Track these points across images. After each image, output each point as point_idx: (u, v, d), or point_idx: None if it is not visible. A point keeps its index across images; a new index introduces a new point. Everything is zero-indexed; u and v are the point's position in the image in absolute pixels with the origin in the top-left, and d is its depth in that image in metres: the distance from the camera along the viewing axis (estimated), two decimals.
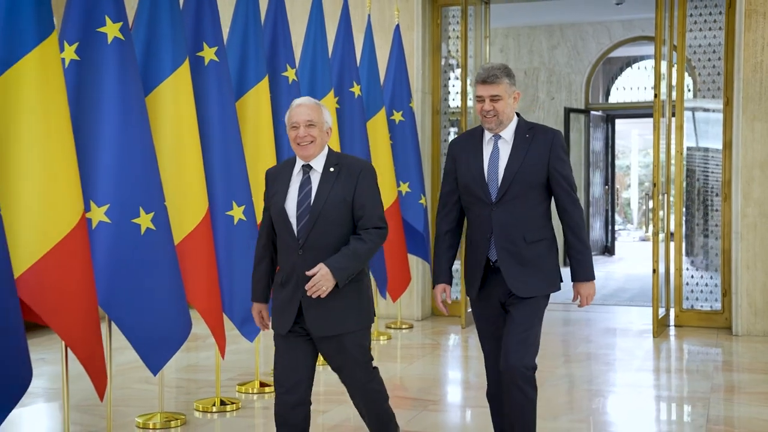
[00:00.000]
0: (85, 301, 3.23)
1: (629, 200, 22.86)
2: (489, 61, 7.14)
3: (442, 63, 7.59)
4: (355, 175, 2.97)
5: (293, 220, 2.95)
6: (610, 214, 13.49)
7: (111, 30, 3.58)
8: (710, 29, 6.99)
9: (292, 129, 2.98)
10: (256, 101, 4.67)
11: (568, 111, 11.93)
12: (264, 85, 4.70)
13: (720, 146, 6.96)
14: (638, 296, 8.87)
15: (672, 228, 7.03)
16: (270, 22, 5.04)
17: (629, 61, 13.61)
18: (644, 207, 24.41)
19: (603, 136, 12.99)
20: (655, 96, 6.57)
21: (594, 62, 12.17)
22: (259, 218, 3.74)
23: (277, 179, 3.06)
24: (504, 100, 3.04)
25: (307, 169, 3.00)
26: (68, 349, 3.33)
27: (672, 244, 7.06)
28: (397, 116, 6.70)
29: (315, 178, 2.99)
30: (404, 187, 6.67)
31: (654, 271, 6.60)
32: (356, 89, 5.98)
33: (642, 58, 13.45)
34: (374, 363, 3.14)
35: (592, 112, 12.41)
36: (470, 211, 3.15)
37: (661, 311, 6.72)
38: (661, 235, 6.77)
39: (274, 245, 3.09)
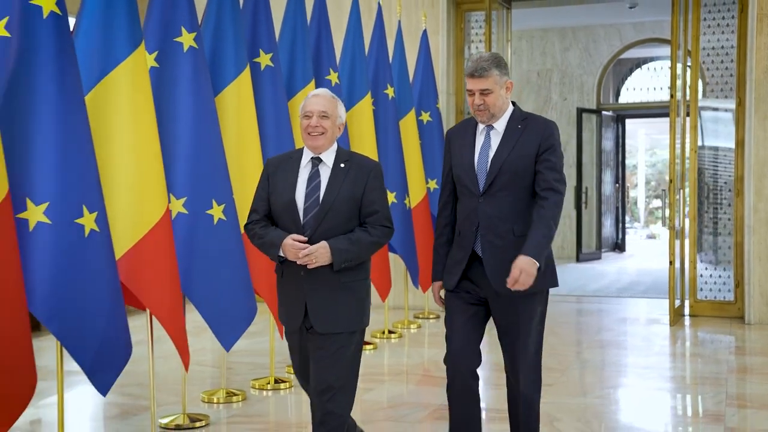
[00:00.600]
0: (171, 284, 3.54)
1: (636, 199, 23.17)
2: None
3: (465, 65, 7.94)
4: (365, 174, 2.96)
5: (300, 212, 2.93)
6: (620, 211, 13.84)
7: (186, 40, 3.89)
8: (723, 32, 7.33)
9: (304, 118, 2.96)
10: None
11: (580, 111, 12.27)
12: (311, 88, 5.06)
13: (728, 144, 7.30)
14: (651, 289, 9.21)
15: (681, 223, 7.37)
16: (314, 29, 5.39)
17: (639, 62, 13.95)
18: (650, 205, 24.81)
19: (613, 135, 13.33)
20: (671, 96, 6.92)
21: (605, 64, 12.52)
22: None
23: (281, 169, 3.02)
24: (495, 92, 2.92)
25: (316, 161, 2.97)
26: (152, 330, 3.72)
27: (686, 239, 7.40)
28: (425, 116, 7.05)
29: (324, 172, 2.96)
30: (432, 184, 7.02)
31: (670, 263, 6.95)
32: (390, 91, 6.34)
33: (652, 59, 13.80)
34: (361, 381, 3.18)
35: (603, 113, 12.76)
36: (460, 202, 3.08)
37: (676, 302, 7.07)
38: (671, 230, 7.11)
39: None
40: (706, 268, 7.46)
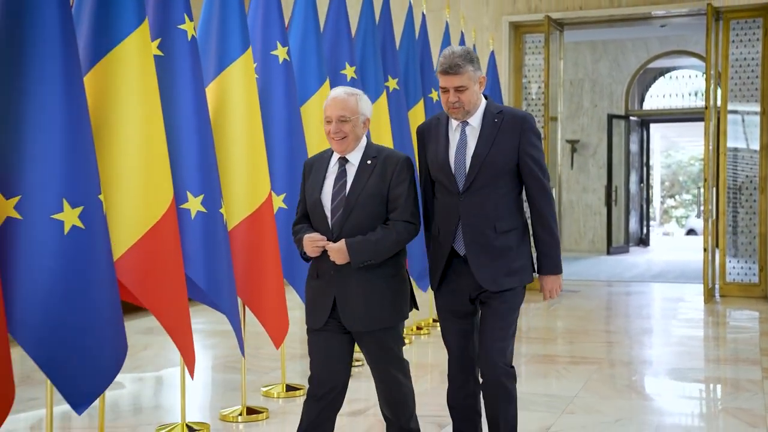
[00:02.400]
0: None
1: (652, 198, 24.34)
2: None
3: (523, 80, 9.14)
4: (392, 169, 2.88)
5: (328, 212, 2.90)
6: (644, 209, 15.01)
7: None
8: (745, 47, 8.42)
9: (326, 123, 2.90)
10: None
11: (610, 117, 13.44)
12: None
13: (748, 146, 8.44)
14: (681, 276, 10.37)
15: (714, 216, 8.54)
16: (380, 35, 6.12)
17: (662, 72, 15.13)
18: (665, 204, 25.92)
19: (638, 139, 14.49)
20: (706, 108, 8.10)
21: (633, 73, 13.69)
22: None
23: (314, 169, 3.00)
24: (469, 89, 2.83)
25: (343, 161, 2.93)
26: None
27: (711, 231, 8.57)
28: None
29: (351, 171, 2.91)
30: None
31: (705, 250, 8.13)
32: None
33: (674, 68, 14.98)
34: (409, 360, 3.07)
35: (631, 118, 13.93)
36: (438, 199, 2.98)
37: (709, 284, 8.25)
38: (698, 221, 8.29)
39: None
40: (734, 255, 8.62)
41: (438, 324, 5.65)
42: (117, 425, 3.95)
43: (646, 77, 15.08)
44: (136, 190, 3.14)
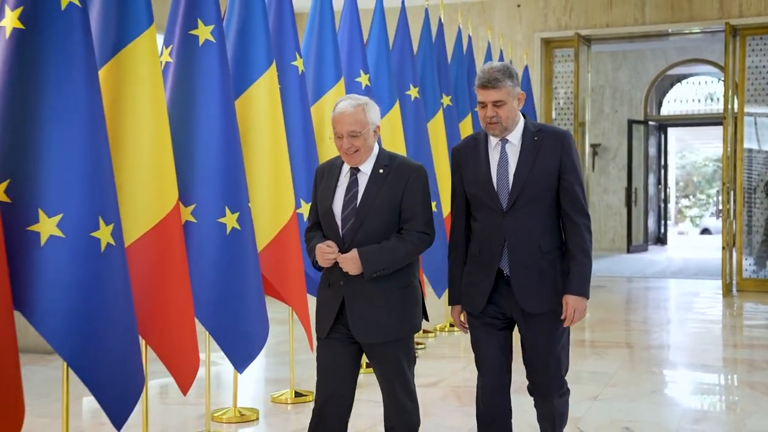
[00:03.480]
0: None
1: (669, 198, 25.00)
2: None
3: (553, 91, 9.89)
4: (404, 178, 2.83)
5: (339, 221, 2.84)
6: (662, 209, 15.72)
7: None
8: (757, 56, 9.08)
9: (336, 138, 2.83)
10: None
11: (630, 122, 14.14)
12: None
13: (760, 147, 9.11)
14: (699, 273, 11.08)
15: (732, 216, 9.25)
16: (437, 54, 6.87)
17: (679, 78, 15.82)
18: (679, 205, 26.56)
19: (656, 142, 15.20)
20: (724, 118, 8.82)
21: (652, 80, 14.38)
22: None
23: (325, 177, 2.94)
24: (508, 104, 2.78)
25: (354, 170, 2.87)
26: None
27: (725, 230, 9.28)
28: None
29: (363, 180, 2.85)
30: None
31: (723, 248, 8.85)
32: None
33: (690, 75, 15.67)
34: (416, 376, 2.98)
35: (650, 123, 14.63)
36: (478, 220, 2.90)
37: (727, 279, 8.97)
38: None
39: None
40: (750, 254, 9.32)
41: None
42: (169, 411, 4.33)
43: (664, 83, 15.76)
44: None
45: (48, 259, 2.69)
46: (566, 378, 2.99)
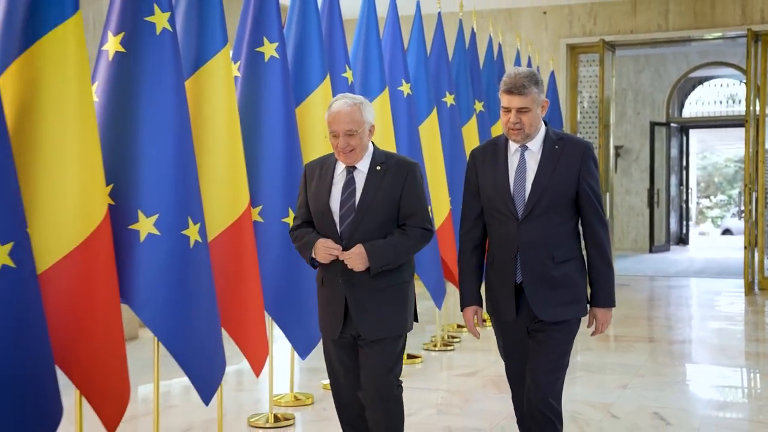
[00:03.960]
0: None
1: (690, 199, 25.13)
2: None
3: (578, 96, 10.18)
4: (402, 175, 2.85)
5: (337, 219, 2.84)
6: (684, 209, 15.93)
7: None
8: None
9: (332, 137, 2.84)
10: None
11: (653, 125, 14.37)
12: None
13: None
14: (721, 272, 11.31)
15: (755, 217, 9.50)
16: (470, 61, 7.20)
17: (701, 80, 16.02)
18: (700, 205, 26.65)
19: (678, 144, 15.41)
20: (746, 122, 9.08)
21: (674, 83, 14.61)
22: None
23: (317, 175, 2.93)
24: (532, 111, 2.76)
25: (351, 168, 2.88)
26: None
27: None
28: None
29: (360, 178, 2.86)
30: None
31: (745, 247, 9.11)
32: None
33: (712, 77, 15.87)
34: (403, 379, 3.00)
35: (672, 125, 14.85)
36: (493, 227, 2.88)
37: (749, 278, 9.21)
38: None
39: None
40: None
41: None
42: (230, 397, 4.47)
43: (686, 85, 15.96)
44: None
45: (146, 254, 3.03)
46: (560, 405, 2.90)
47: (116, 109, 3.07)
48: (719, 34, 9.46)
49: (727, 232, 21.54)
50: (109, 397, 2.87)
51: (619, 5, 9.65)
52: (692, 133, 22.41)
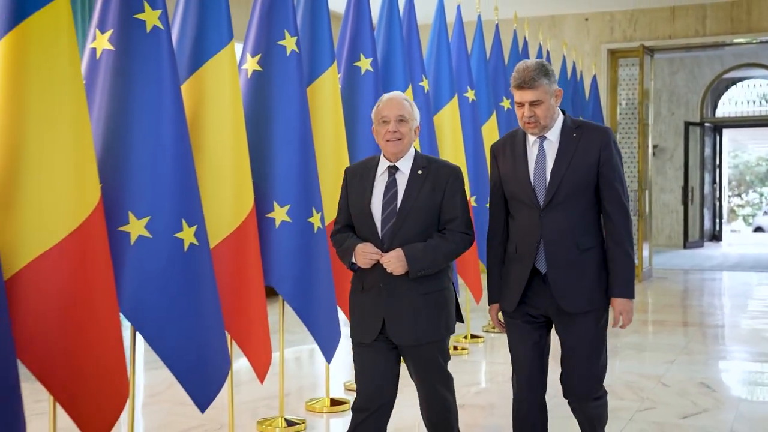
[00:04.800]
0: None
1: (722, 197, 25.41)
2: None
3: (618, 97, 10.72)
4: (444, 179, 2.82)
5: (378, 222, 2.81)
6: (717, 207, 16.36)
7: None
8: None
9: (382, 123, 2.82)
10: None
11: (687, 124, 14.83)
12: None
13: None
14: (755, 267, 11.78)
15: None
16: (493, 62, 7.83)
17: (734, 81, 16.43)
18: (732, 203, 26.92)
19: (711, 143, 15.84)
20: None
21: (708, 84, 15.05)
22: None
23: (358, 178, 2.91)
24: (545, 102, 2.74)
25: (392, 170, 2.85)
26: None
27: None
28: None
29: (402, 180, 2.83)
30: None
31: None
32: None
33: (745, 78, 16.28)
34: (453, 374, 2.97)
35: (706, 124, 15.29)
36: (516, 218, 2.87)
37: None
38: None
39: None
40: None
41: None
42: (269, 396, 4.51)
43: (719, 86, 16.38)
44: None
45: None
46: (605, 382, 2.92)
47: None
48: (754, 40, 9.94)
49: (759, 229, 21.83)
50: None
51: (658, 12, 10.17)
52: (725, 132, 22.86)
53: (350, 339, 2.97)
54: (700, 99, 15.12)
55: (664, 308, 8.09)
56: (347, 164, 4.11)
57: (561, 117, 2.85)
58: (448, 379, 2.93)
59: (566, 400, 2.95)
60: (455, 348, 5.82)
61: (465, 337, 6.16)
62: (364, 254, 2.79)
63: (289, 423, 3.99)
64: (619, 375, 5.03)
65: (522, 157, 2.85)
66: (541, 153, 2.82)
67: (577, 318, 2.80)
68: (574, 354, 2.84)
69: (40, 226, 2.50)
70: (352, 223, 2.93)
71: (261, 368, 3.57)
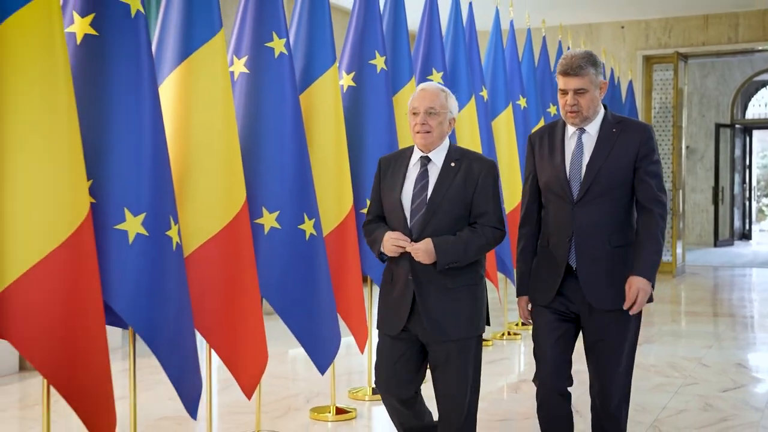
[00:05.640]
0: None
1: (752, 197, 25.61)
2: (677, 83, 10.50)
3: (652, 102, 11.23)
4: (477, 173, 2.78)
5: (407, 213, 2.78)
6: (747, 206, 16.77)
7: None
8: None
9: (411, 115, 2.80)
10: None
11: (717, 126, 15.26)
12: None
13: None
14: None
15: None
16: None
17: (764, 83, 16.80)
18: (761, 203, 27.12)
19: (741, 144, 16.25)
20: None
21: (738, 87, 15.46)
22: None
23: (391, 168, 2.88)
24: (590, 92, 2.69)
25: (425, 161, 2.81)
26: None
27: None
28: None
29: (433, 172, 2.80)
30: None
31: None
32: None
33: None
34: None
35: (736, 126, 15.71)
36: (549, 210, 2.83)
37: None
38: None
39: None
40: None
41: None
42: (313, 387, 4.65)
43: (749, 88, 16.76)
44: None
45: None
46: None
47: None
48: None
49: None
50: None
51: (692, 20, 10.65)
52: (754, 133, 23.15)
53: (377, 328, 2.94)
54: (731, 101, 15.53)
55: (696, 301, 8.59)
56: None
57: (602, 111, 2.81)
58: (468, 381, 2.80)
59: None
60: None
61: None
62: (392, 241, 2.76)
63: (340, 411, 4.18)
64: (662, 357, 5.58)
65: (559, 148, 2.81)
66: (579, 146, 2.78)
67: (606, 315, 2.73)
68: (601, 353, 2.77)
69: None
70: (384, 215, 2.91)
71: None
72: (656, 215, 2.71)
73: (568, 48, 8.32)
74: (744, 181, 16.55)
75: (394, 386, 2.84)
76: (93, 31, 2.81)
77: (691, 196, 15.48)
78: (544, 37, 7.64)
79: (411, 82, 4.83)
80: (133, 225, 2.75)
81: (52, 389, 2.53)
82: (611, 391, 2.78)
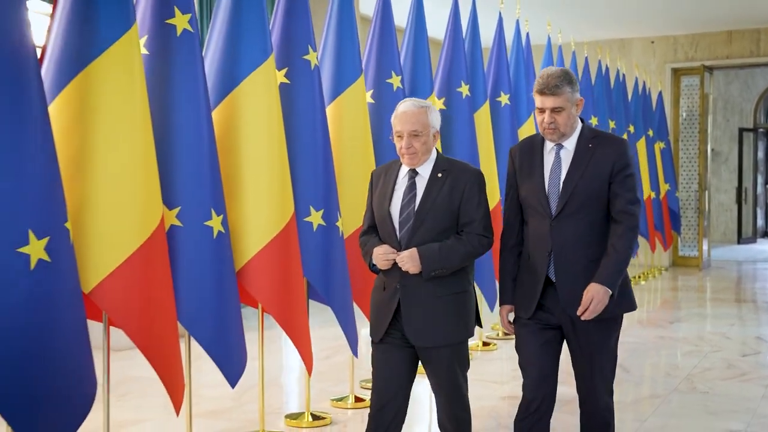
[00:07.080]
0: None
1: None
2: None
3: (680, 110, 12.23)
4: (463, 182, 2.85)
5: (396, 224, 2.86)
6: None
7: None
8: None
9: (396, 137, 2.86)
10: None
11: (741, 131, 16.19)
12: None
13: None
14: None
15: None
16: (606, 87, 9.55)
17: None
18: None
19: (765, 147, 17.14)
20: None
21: (761, 93, 16.37)
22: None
23: (382, 180, 2.96)
24: (566, 110, 2.75)
25: (413, 173, 2.89)
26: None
27: None
28: (661, 144, 11.31)
29: (421, 184, 2.87)
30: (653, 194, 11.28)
31: None
32: (630, 128, 10.41)
33: None
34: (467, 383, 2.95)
35: (759, 130, 16.62)
36: (529, 224, 2.88)
37: None
38: None
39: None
40: None
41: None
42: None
43: None
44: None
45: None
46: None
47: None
48: None
49: None
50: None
51: (717, 35, 11.64)
52: None
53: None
54: (754, 106, 16.45)
55: (721, 290, 9.59)
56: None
57: (580, 126, 2.87)
58: (461, 388, 2.90)
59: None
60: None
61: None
62: (382, 256, 2.84)
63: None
64: (691, 332, 6.63)
65: (538, 163, 2.87)
66: (557, 161, 2.84)
67: (586, 325, 2.78)
68: (583, 361, 2.85)
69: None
70: (375, 227, 2.99)
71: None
72: (625, 227, 2.76)
73: (606, 63, 9.35)
74: (766, 182, 17.45)
75: (386, 390, 2.90)
76: (145, 51, 3.17)
77: (715, 196, 16.41)
78: (572, 53, 8.66)
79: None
80: (167, 217, 3.19)
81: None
82: (597, 393, 2.87)
